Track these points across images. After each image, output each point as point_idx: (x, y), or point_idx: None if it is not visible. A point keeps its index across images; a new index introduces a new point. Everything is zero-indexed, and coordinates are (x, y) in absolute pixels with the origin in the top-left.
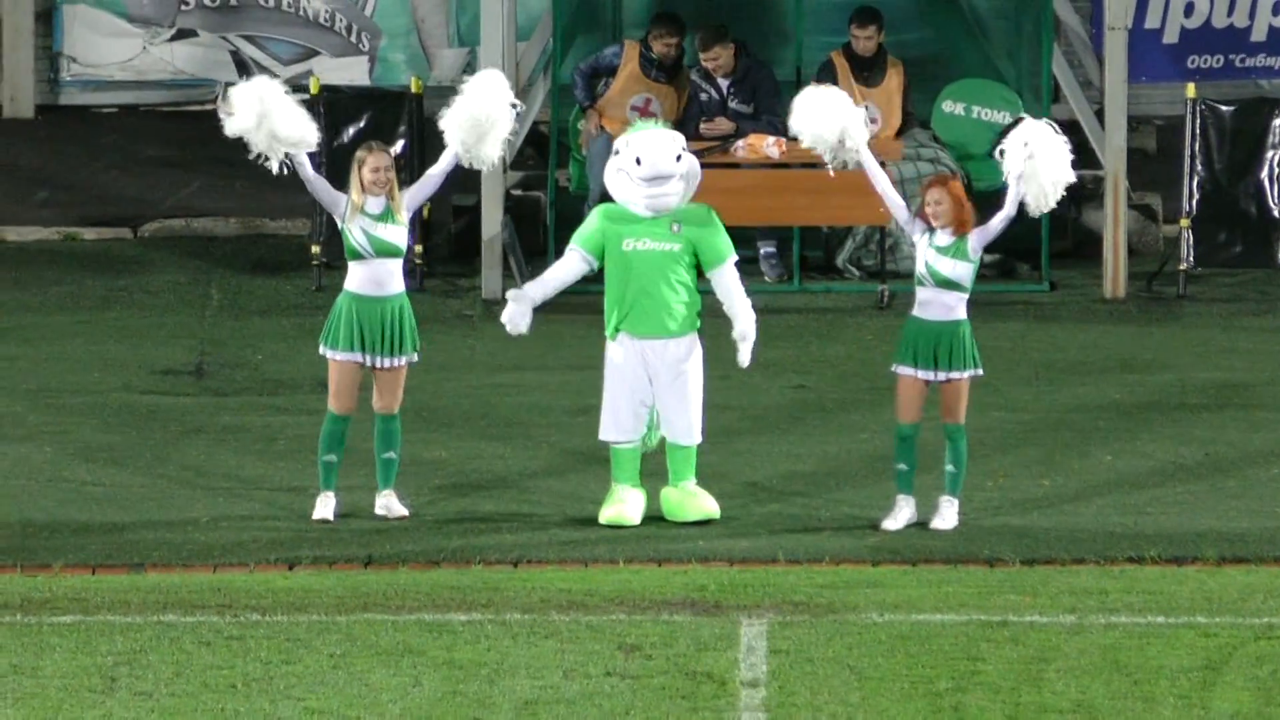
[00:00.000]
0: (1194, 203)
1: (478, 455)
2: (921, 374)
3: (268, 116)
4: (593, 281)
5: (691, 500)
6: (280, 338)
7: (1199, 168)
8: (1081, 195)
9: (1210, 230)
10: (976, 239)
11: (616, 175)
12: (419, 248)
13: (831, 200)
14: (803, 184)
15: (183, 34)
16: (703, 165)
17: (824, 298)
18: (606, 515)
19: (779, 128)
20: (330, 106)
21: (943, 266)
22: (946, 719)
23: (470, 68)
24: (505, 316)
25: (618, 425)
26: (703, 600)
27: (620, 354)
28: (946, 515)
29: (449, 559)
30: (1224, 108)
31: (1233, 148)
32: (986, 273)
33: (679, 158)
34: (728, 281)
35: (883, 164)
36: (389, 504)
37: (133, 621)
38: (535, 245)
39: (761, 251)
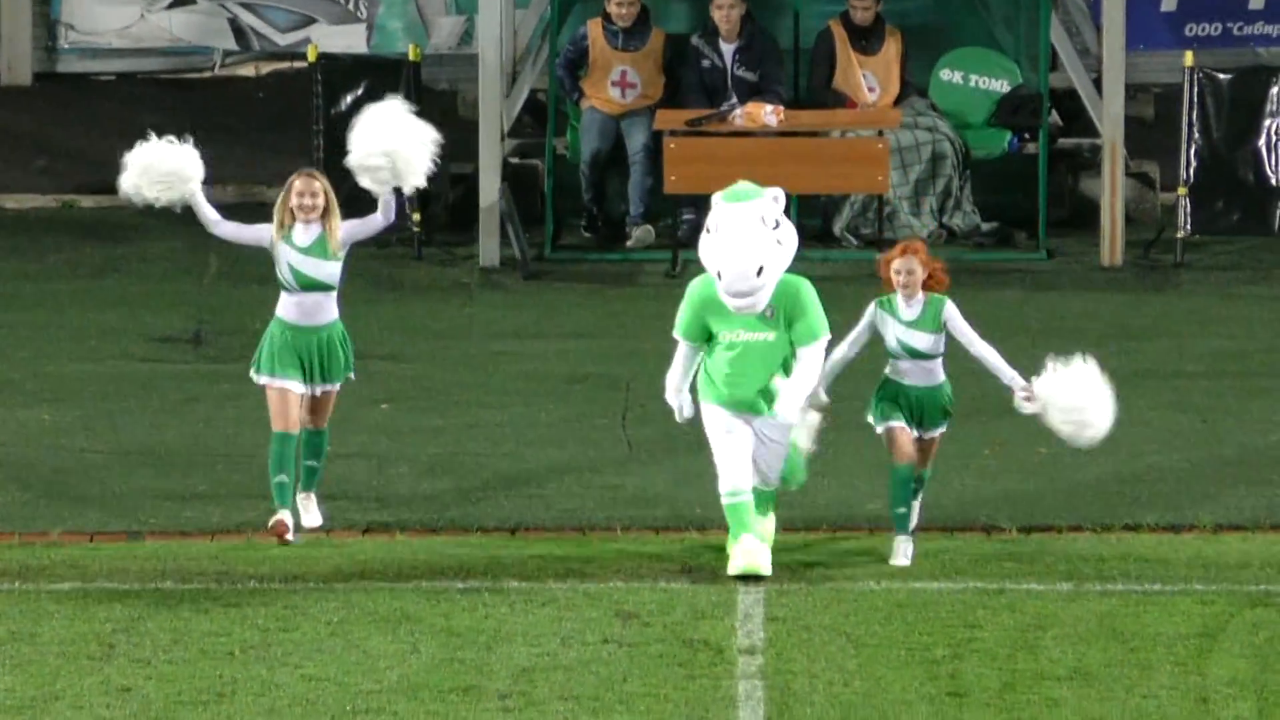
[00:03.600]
0: (1191, 171)
1: (475, 423)
2: (904, 425)
3: (147, 168)
4: (589, 249)
5: (745, 555)
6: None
7: (1197, 136)
8: (1079, 164)
9: (1208, 198)
10: (953, 313)
11: (703, 257)
12: (416, 215)
13: (829, 169)
14: (801, 152)
15: (181, 1)
16: (698, 133)
17: (821, 266)
18: (735, 568)
19: (783, 97)
20: (327, 75)
21: (917, 341)
22: (943, 686)
23: (468, 35)
24: (675, 406)
25: (729, 476)
26: (700, 568)
27: (717, 414)
28: (903, 551)
29: (447, 527)
30: (1222, 76)
31: (1230, 116)
32: (984, 241)
33: (760, 271)
34: (808, 359)
35: (880, 133)
36: (306, 510)
37: (131, 589)
38: (533, 213)
39: None
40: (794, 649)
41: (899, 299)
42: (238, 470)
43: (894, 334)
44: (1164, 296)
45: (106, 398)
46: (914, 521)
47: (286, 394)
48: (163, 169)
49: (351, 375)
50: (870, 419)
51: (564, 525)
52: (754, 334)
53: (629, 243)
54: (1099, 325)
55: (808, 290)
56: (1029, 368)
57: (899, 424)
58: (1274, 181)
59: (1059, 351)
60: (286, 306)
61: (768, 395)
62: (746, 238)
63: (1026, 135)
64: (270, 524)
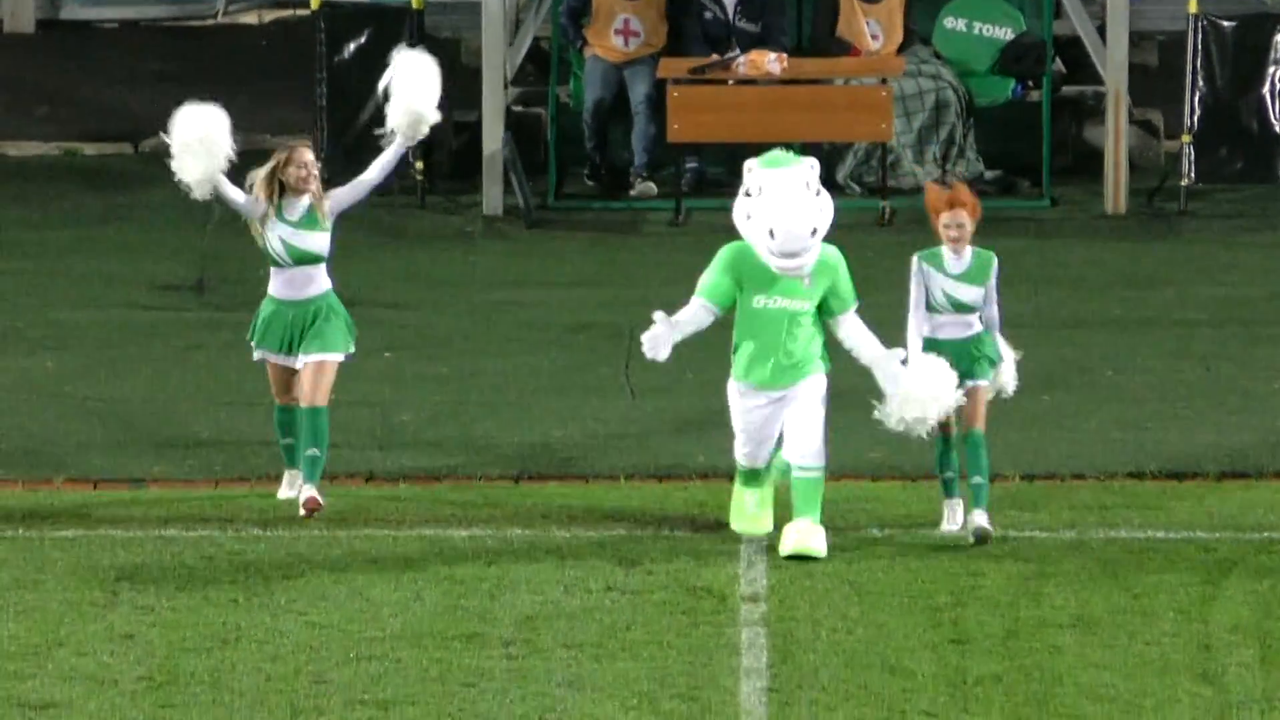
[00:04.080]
0: (1195, 118)
1: (478, 371)
2: None
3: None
4: (592, 198)
5: (798, 538)
6: None
7: (1200, 83)
8: (1083, 111)
9: (1211, 146)
10: (993, 278)
11: (747, 222)
12: (419, 164)
13: (833, 117)
14: (804, 101)
15: None
16: (702, 81)
17: None
18: (737, 525)
19: (786, 46)
20: (330, 23)
21: (963, 294)
22: (946, 633)
23: None
24: (649, 336)
25: (746, 451)
26: (703, 516)
27: (739, 397)
28: (980, 520)
29: (449, 475)
30: (1225, 23)
31: (1234, 63)
32: (987, 189)
33: (814, 231)
34: (850, 329)
35: (883, 81)
36: (308, 500)
37: (134, 536)
38: (536, 162)
39: None
40: (797, 596)
41: (945, 251)
42: (240, 418)
43: (940, 287)
44: (1167, 244)
45: (109, 345)
46: (985, 491)
47: (276, 368)
48: (217, 147)
49: (346, 352)
50: None
51: (567, 473)
52: (791, 301)
53: (632, 192)
54: (1102, 273)
55: (841, 258)
56: (1031, 317)
57: None
58: (1278, 129)
59: (1061, 300)
60: (276, 283)
61: (800, 368)
62: (799, 198)
63: (1030, 83)
64: (303, 503)
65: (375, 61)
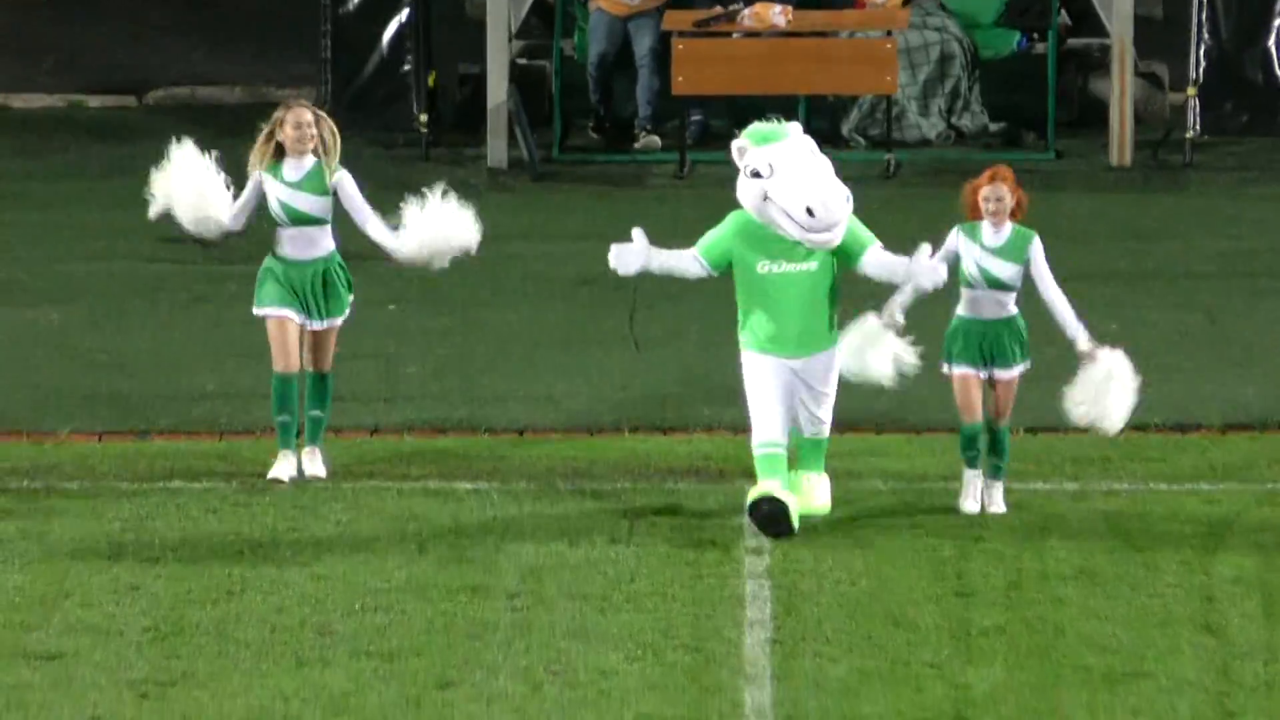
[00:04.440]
0: (1200, 71)
1: (483, 324)
2: (976, 371)
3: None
4: (597, 151)
5: (803, 495)
6: None
7: (1206, 36)
8: (1088, 64)
9: (1217, 99)
10: (1039, 249)
11: (763, 203)
12: (423, 117)
13: (838, 69)
14: (809, 53)
15: None
16: (709, 34)
17: None
18: (755, 492)
19: None
20: None
21: (997, 269)
22: (950, 585)
23: None
24: (620, 247)
25: (765, 428)
26: (707, 469)
27: (758, 362)
28: (996, 499)
29: (454, 428)
30: None
31: (1240, 15)
32: (992, 141)
33: (849, 198)
34: (876, 260)
35: (888, 33)
36: (311, 461)
37: (140, 488)
38: (540, 114)
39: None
40: (801, 548)
41: (985, 225)
42: (245, 370)
43: (974, 260)
44: (1172, 197)
45: (114, 298)
46: (1002, 475)
47: (285, 325)
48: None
49: (347, 313)
50: (943, 366)
51: (572, 426)
52: (796, 264)
53: (636, 145)
54: (1107, 225)
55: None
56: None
57: (968, 371)
58: None
59: (1065, 252)
60: (280, 242)
61: (811, 336)
62: (824, 169)
63: (1035, 35)
64: (268, 477)
65: (379, 14)
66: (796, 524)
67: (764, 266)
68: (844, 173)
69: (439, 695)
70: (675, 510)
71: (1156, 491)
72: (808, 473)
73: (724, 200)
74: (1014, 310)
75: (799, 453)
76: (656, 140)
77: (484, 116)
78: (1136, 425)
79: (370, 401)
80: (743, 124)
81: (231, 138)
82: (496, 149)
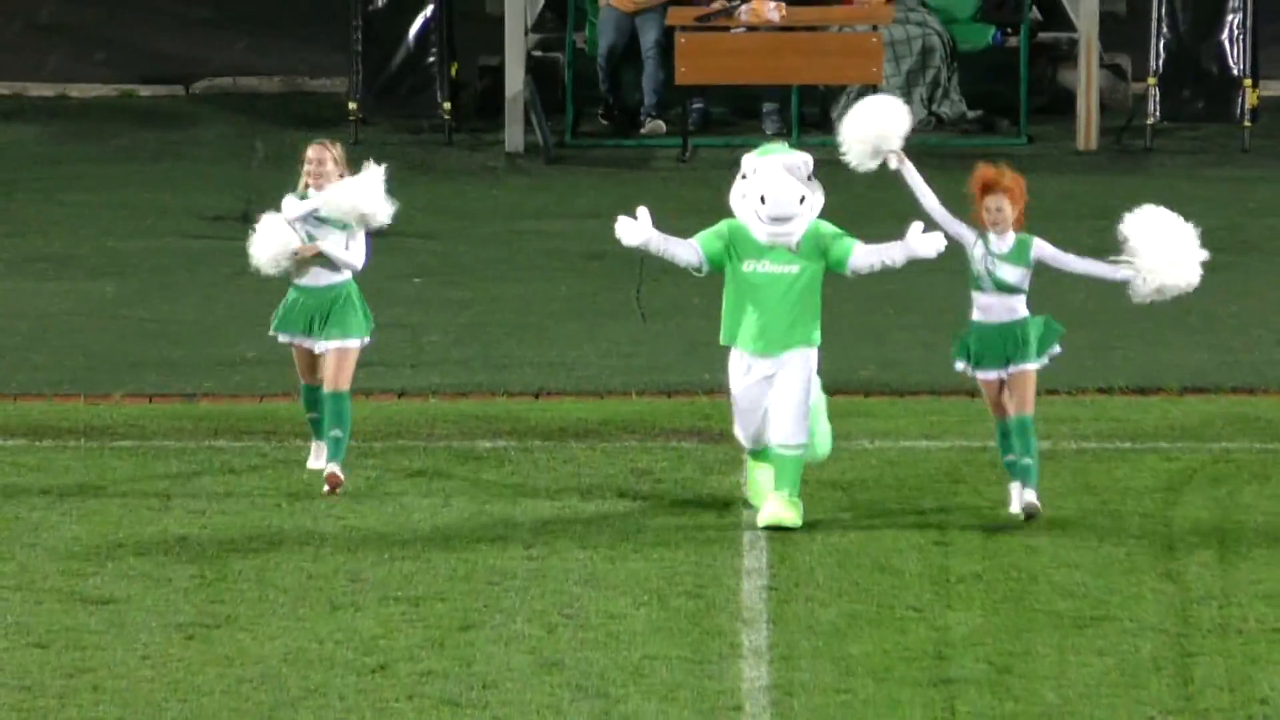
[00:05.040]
0: (1160, 62)
1: (500, 296)
2: (997, 373)
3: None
4: (606, 136)
5: (773, 511)
6: None
7: (1165, 30)
8: (1057, 56)
9: (1175, 87)
10: (1040, 254)
11: (741, 201)
12: (447, 105)
13: (827, 60)
14: (802, 46)
15: None
16: (707, 28)
17: (820, 151)
18: (764, 518)
19: None
20: None
21: (1006, 274)
22: (931, 535)
23: None
24: (628, 220)
25: (746, 433)
26: (709, 429)
27: (738, 365)
28: (1029, 496)
29: (475, 391)
30: None
31: (1196, 10)
32: (969, 127)
33: (802, 199)
34: (862, 254)
35: (874, 27)
36: (330, 471)
37: (186, 446)
38: (554, 103)
39: (764, 108)
40: None
41: (990, 233)
42: None
43: (983, 263)
44: (1135, 178)
45: (163, 271)
46: (1034, 471)
47: (299, 348)
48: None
49: (367, 339)
50: (957, 365)
51: (583, 389)
52: (779, 266)
53: (642, 131)
54: (1075, 205)
55: (826, 224)
56: None
57: (989, 375)
58: (1236, 72)
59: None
60: (298, 270)
61: (792, 335)
62: (787, 173)
63: (1009, 30)
64: (325, 479)
65: (406, 10)
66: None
67: (749, 265)
68: (832, 156)
69: (461, 637)
70: (679, 467)
71: (1121, 449)
72: (779, 493)
73: (723, 182)
74: (1025, 313)
75: (773, 470)
76: (661, 126)
77: (502, 105)
78: (1101, 388)
79: (397, 367)
80: (740, 111)
81: (270, 124)
82: (514, 135)
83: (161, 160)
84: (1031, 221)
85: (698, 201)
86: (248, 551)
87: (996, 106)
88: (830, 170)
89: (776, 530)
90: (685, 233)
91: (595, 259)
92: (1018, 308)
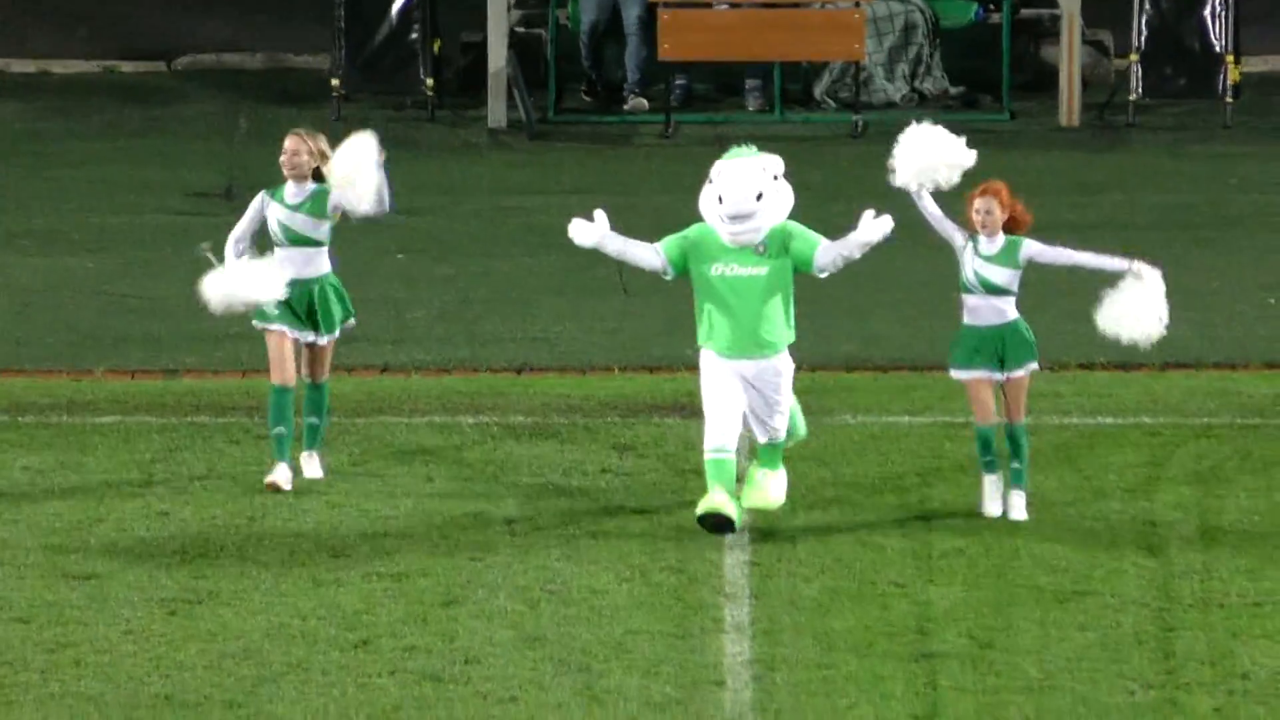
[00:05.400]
0: (1142, 38)
1: (484, 272)
2: (989, 374)
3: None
4: (589, 112)
5: (756, 490)
6: None
7: (1147, 6)
8: (1040, 32)
9: (1157, 64)
10: (1030, 253)
11: (707, 205)
12: (430, 81)
13: (810, 37)
14: (784, 22)
15: None
16: (690, 5)
17: (803, 127)
18: (701, 507)
19: None
20: None
21: (993, 275)
22: (913, 510)
23: None
24: (582, 221)
25: (715, 433)
26: (691, 404)
27: (713, 364)
28: (1018, 506)
29: (457, 367)
30: None
31: None
32: (952, 104)
33: (760, 196)
34: (827, 252)
35: (856, 4)
36: (309, 464)
37: (168, 422)
38: (536, 78)
39: (747, 84)
40: None
41: (980, 235)
42: None
43: (971, 266)
44: (1116, 154)
45: (145, 247)
46: (1025, 476)
47: (283, 340)
48: (243, 297)
49: (352, 321)
50: (951, 372)
51: (566, 365)
52: (746, 268)
53: (625, 107)
54: (1057, 181)
55: (793, 225)
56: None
57: (978, 375)
58: (1218, 48)
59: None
60: (280, 260)
61: (764, 337)
62: (747, 171)
63: (991, 6)
64: (266, 482)
65: None
66: (739, 524)
67: (717, 269)
68: (816, 133)
69: (444, 612)
70: (661, 443)
71: (1103, 425)
72: (763, 469)
73: (705, 157)
74: (1014, 315)
75: (756, 452)
76: (644, 102)
77: (485, 81)
78: (1084, 363)
79: (380, 343)
80: (723, 88)
81: (253, 100)
82: (496, 111)
83: (144, 136)
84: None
85: (680, 177)
86: (230, 527)
87: (979, 83)
88: (812, 146)
89: (761, 511)
90: (667, 209)
91: None
92: (1006, 310)
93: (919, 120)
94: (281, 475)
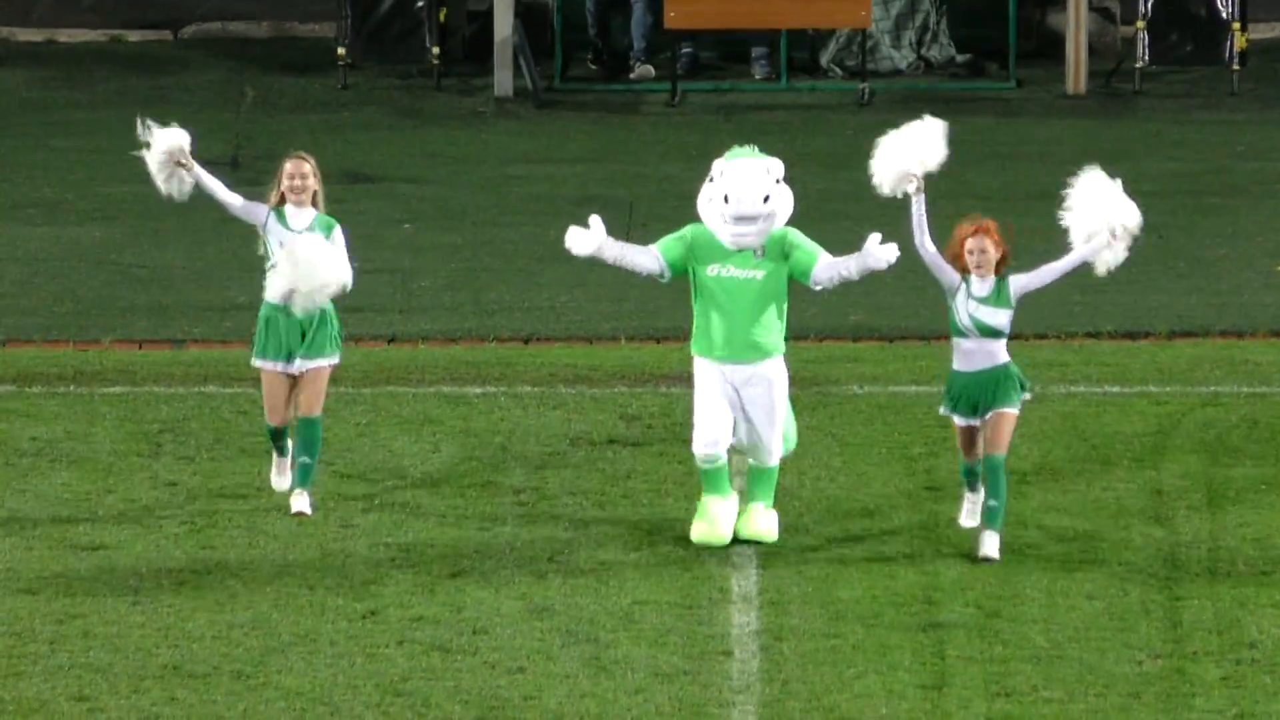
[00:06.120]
0: (1149, 5)
1: (490, 240)
2: (973, 421)
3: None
4: (595, 81)
5: (750, 522)
6: (308, 131)
7: None
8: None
9: (1164, 31)
10: (1019, 286)
11: (708, 204)
12: (435, 49)
13: (816, 5)
14: None
15: None
16: None
17: (809, 95)
18: (696, 533)
19: None
20: None
21: (988, 317)
22: (920, 481)
23: None
24: (578, 229)
25: (705, 441)
26: None
27: (706, 370)
28: (989, 545)
29: (465, 337)
30: None
31: None
32: (958, 71)
33: (766, 199)
34: (825, 266)
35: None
36: (298, 501)
37: (176, 392)
38: (543, 47)
39: (753, 53)
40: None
41: (973, 276)
42: None
43: (965, 308)
44: (1123, 122)
45: (151, 217)
46: (999, 515)
47: (274, 382)
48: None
49: (337, 359)
50: (942, 410)
51: (572, 335)
52: (743, 270)
53: (632, 75)
54: (1063, 149)
55: (793, 233)
56: (997, 190)
57: (965, 422)
58: (1225, 15)
59: (1025, 173)
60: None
61: (756, 340)
62: (754, 173)
63: None
64: (271, 483)
65: None
66: (729, 539)
67: (713, 270)
68: (822, 101)
69: (451, 583)
70: (668, 412)
71: (1109, 394)
72: (755, 503)
73: (711, 127)
74: (1004, 359)
75: (748, 482)
76: (650, 71)
77: (491, 49)
78: (1090, 332)
79: (387, 313)
80: (730, 56)
81: (259, 69)
82: (502, 79)
83: (150, 105)
84: (1021, 164)
85: (686, 146)
86: (237, 497)
87: (985, 50)
88: (818, 114)
89: (756, 544)
90: (673, 177)
91: (584, 203)
92: (998, 353)
93: (923, 89)
94: (284, 474)
